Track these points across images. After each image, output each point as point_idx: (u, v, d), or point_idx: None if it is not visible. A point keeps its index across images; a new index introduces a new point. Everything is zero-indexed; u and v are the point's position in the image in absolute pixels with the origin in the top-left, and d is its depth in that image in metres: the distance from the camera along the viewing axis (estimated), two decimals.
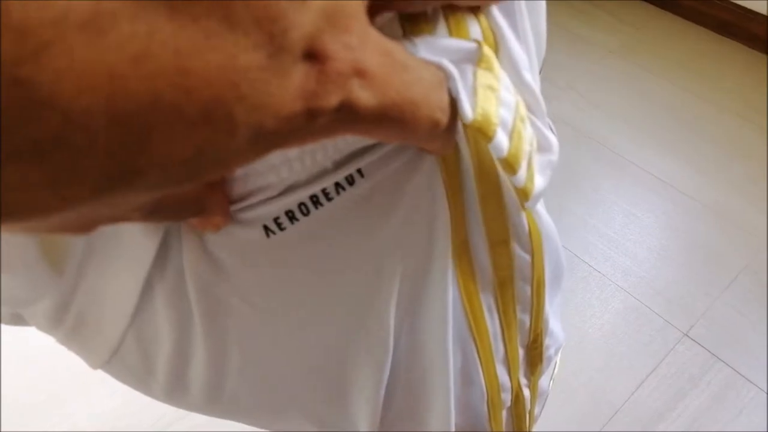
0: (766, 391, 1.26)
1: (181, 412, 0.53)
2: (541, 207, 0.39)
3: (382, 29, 0.21)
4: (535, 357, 0.48)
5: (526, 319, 0.42)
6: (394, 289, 0.34)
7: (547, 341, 0.48)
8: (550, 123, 0.35)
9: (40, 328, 0.33)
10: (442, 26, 0.27)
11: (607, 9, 2.15)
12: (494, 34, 0.29)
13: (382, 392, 0.38)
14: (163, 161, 0.15)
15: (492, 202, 0.34)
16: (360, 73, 0.18)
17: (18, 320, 0.34)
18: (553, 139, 0.33)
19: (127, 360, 0.34)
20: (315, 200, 0.29)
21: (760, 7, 1.89)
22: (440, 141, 0.25)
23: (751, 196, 1.59)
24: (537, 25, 0.34)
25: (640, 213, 1.59)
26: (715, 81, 1.88)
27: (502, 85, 0.27)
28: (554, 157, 0.33)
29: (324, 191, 0.29)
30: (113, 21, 0.13)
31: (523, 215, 0.35)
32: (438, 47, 0.25)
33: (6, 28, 0.12)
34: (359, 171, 0.30)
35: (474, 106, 0.24)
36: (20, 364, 1.34)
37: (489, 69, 0.26)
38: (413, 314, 0.36)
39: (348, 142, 0.28)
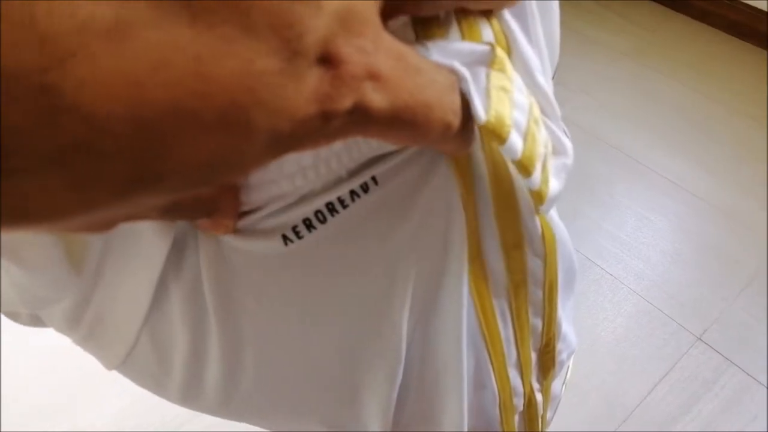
0: None
1: (192, 413, 0.53)
2: (553, 211, 0.39)
3: (396, 33, 0.21)
4: (547, 361, 0.47)
5: (539, 323, 0.42)
6: (407, 294, 0.34)
7: (559, 346, 0.47)
8: (564, 127, 0.35)
9: (58, 329, 0.33)
10: (454, 30, 0.27)
11: (618, 11, 2.14)
12: (506, 37, 0.29)
13: (395, 395, 0.38)
14: (183, 166, 0.15)
15: (506, 206, 0.34)
16: (373, 76, 0.19)
17: (36, 322, 0.34)
18: (568, 143, 0.33)
19: (143, 361, 0.34)
20: (331, 208, 0.30)
21: (763, 5, 1.88)
22: (454, 143, 0.25)
23: (765, 199, 1.58)
24: (550, 29, 0.34)
25: (652, 216, 1.58)
26: (726, 82, 1.87)
27: (516, 86, 0.27)
28: (569, 160, 0.33)
29: (339, 199, 0.30)
30: (134, 29, 0.13)
31: (537, 219, 0.35)
32: (451, 50, 0.25)
33: (33, 37, 0.12)
34: (374, 178, 0.30)
35: (487, 108, 0.25)
36: (25, 364, 1.35)
37: (502, 71, 0.26)
38: (427, 318, 0.36)
39: (362, 150, 0.28)
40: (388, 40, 0.20)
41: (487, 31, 0.28)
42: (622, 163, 1.70)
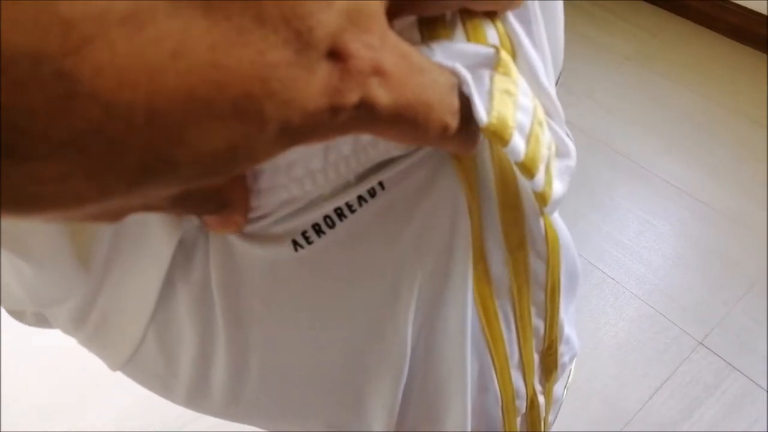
0: None
1: (194, 414, 0.54)
2: (556, 213, 0.39)
3: (401, 34, 0.21)
4: (550, 364, 0.47)
5: (541, 324, 0.42)
6: (413, 296, 0.34)
7: (561, 348, 0.48)
8: (567, 130, 0.35)
9: (63, 329, 0.33)
10: (459, 32, 0.27)
11: (622, 15, 2.14)
12: (511, 40, 0.29)
13: (399, 398, 0.38)
14: (197, 155, 0.16)
15: (511, 207, 0.34)
16: (379, 72, 0.19)
17: (41, 322, 0.34)
18: (571, 145, 0.33)
19: (149, 362, 0.34)
20: (339, 213, 0.30)
21: (762, 7, 1.87)
22: (454, 144, 0.25)
23: (766, 202, 1.58)
24: (554, 33, 0.34)
25: (654, 220, 1.58)
26: (729, 86, 1.87)
27: (520, 89, 0.27)
28: (573, 162, 0.33)
29: (347, 204, 0.30)
30: (152, 17, 0.13)
31: (541, 221, 0.36)
32: (454, 51, 0.25)
33: (55, 22, 0.12)
34: (380, 183, 0.30)
35: (489, 110, 0.25)
36: (25, 364, 1.35)
37: (507, 74, 0.26)
38: (431, 320, 0.36)
39: (370, 155, 0.29)
40: (393, 39, 0.20)
41: (492, 33, 0.28)
42: (624, 167, 1.70)
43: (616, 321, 1.40)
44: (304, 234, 0.30)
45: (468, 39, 0.27)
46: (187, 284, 0.31)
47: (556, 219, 0.38)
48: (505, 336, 0.39)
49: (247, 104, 0.15)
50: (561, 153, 0.33)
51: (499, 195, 0.33)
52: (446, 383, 0.39)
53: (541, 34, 0.32)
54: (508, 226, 0.34)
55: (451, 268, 0.34)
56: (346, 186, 0.29)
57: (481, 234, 0.34)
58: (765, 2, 1.86)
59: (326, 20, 0.17)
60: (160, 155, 0.15)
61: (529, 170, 0.28)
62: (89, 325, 0.32)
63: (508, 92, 0.26)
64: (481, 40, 0.27)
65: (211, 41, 0.14)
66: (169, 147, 0.15)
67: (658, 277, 1.47)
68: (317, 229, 0.30)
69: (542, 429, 0.51)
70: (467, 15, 0.27)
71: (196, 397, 0.36)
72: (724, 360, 1.32)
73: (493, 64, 0.26)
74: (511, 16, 0.29)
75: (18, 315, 0.35)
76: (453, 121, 0.23)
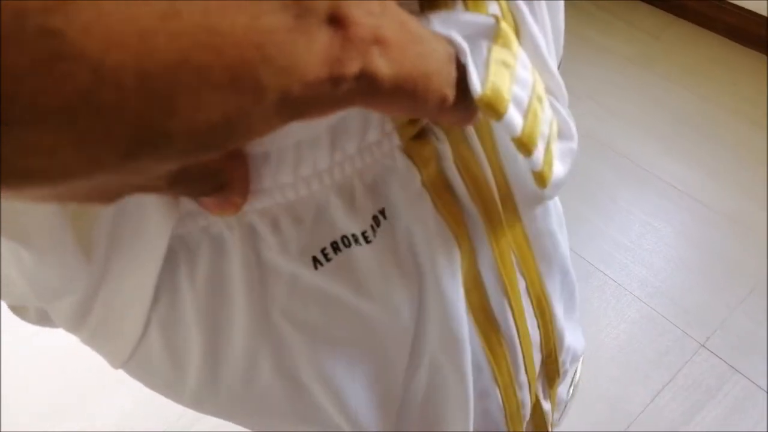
0: None
1: (197, 415, 0.53)
2: (556, 225, 0.39)
3: (401, 5, 0.21)
4: (551, 372, 0.47)
5: (536, 334, 0.43)
6: (415, 313, 0.35)
7: (562, 357, 0.48)
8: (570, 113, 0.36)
9: (65, 326, 0.33)
10: (459, 6, 0.26)
11: (624, 17, 2.14)
12: (514, 16, 0.29)
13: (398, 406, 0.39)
14: (191, 125, 0.15)
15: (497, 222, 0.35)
16: (379, 40, 0.18)
17: (43, 319, 0.34)
18: (574, 128, 0.33)
19: (153, 361, 0.34)
20: (355, 238, 0.32)
21: (760, 8, 1.87)
22: (451, 116, 0.24)
23: None
24: (555, 20, 0.34)
25: (656, 222, 1.58)
26: (730, 88, 1.87)
27: (519, 62, 0.27)
28: (575, 145, 0.33)
29: (360, 235, 0.32)
30: None
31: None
32: (452, 21, 0.25)
33: None
34: (382, 212, 0.31)
35: (484, 81, 0.24)
36: (26, 364, 1.35)
37: (506, 46, 0.26)
38: (432, 331, 0.37)
39: (374, 155, 0.29)
40: (392, 6, 0.20)
41: (493, 7, 0.28)
42: (626, 169, 1.70)
43: (618, 323, 1.39)
44: (323, 251, 0.31)
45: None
46: (192, 285, 0.30)
47: (554, 231, 0.39)
48: (508, 349, 0.40)
49: (242, 71, 0.15)
50: (563, 134, 0.32)
51: (479, 209, 0.34)
52: (448, 391, 0.39)
53: (543, 14, 0.32)
54: (499, 239, 0.36)
55: (444, 282, 0.36)
56: (352, 215, 0.31)
57: (474, 254, 0.35)
58: (765, 3, 1.85)
59: None
60: (152, 126, 0.14)
61: (526, 147, 0.27)
62: (91, 321, 0.32)
63: (505, 64, 0.25)
64: (481, 12, 0.27)
65: (204, 4, 0.14)
66: (161, 117, 0.14)
67: (659, 280, 1.46)
68: (335, 247, 0.32)
69: (548, 430, 0.51)
70: None
71: (202, 398, 0.36)
72: (726, 362, 1.32)
73: (493, 35, 0.25)
74: None
75: (21, 312, 0.35)
76: (451, 93, 0.23)
